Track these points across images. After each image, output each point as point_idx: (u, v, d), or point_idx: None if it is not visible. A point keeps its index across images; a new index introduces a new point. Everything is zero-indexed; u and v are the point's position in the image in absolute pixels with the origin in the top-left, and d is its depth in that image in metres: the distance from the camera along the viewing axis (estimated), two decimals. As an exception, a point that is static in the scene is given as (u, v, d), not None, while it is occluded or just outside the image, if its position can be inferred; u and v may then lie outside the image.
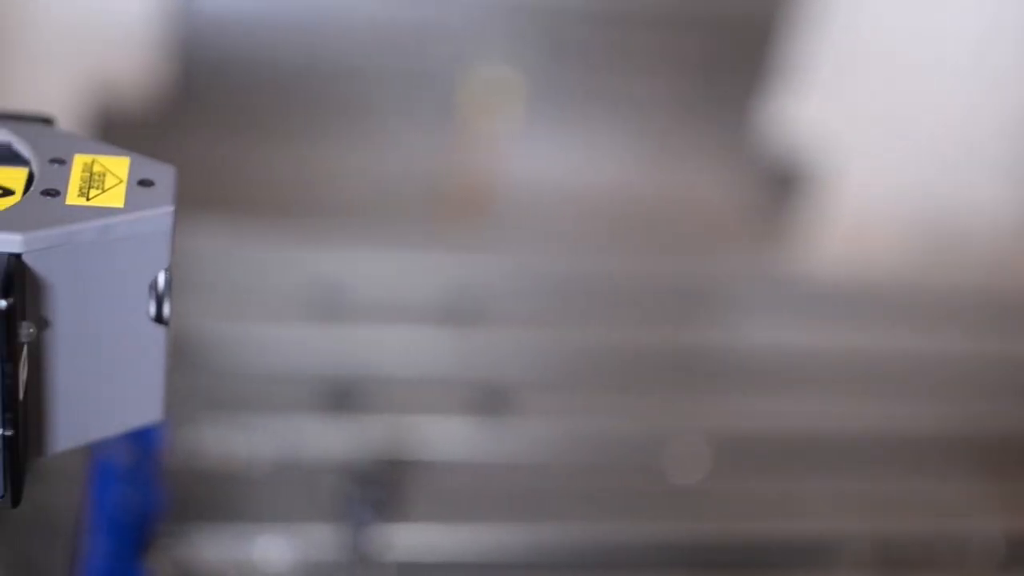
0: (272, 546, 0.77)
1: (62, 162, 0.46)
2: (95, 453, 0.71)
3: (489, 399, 0.93)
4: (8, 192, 0.45)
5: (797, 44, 1.40)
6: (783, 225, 1.33)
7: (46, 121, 0.49)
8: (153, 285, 0.46)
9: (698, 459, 0.92)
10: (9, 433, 0.42)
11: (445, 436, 0.90)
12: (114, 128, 1.21)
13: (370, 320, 0.99)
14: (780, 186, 1.37)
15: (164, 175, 0.46)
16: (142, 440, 0.73)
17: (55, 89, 1.35)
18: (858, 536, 0.87)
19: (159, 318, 0.46)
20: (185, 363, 0.88)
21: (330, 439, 0.86)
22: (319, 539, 0.78)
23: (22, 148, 0.47)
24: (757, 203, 1.35)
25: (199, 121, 1.28)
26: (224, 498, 0.79)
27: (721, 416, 0.98)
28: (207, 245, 0.99)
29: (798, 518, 0.89)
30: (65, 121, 0.51)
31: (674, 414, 0.97)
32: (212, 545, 0.76)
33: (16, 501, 0.44)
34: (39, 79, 1.41)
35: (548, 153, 1.36)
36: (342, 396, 0.90)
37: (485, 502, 0.85)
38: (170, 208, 0.45)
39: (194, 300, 0.94)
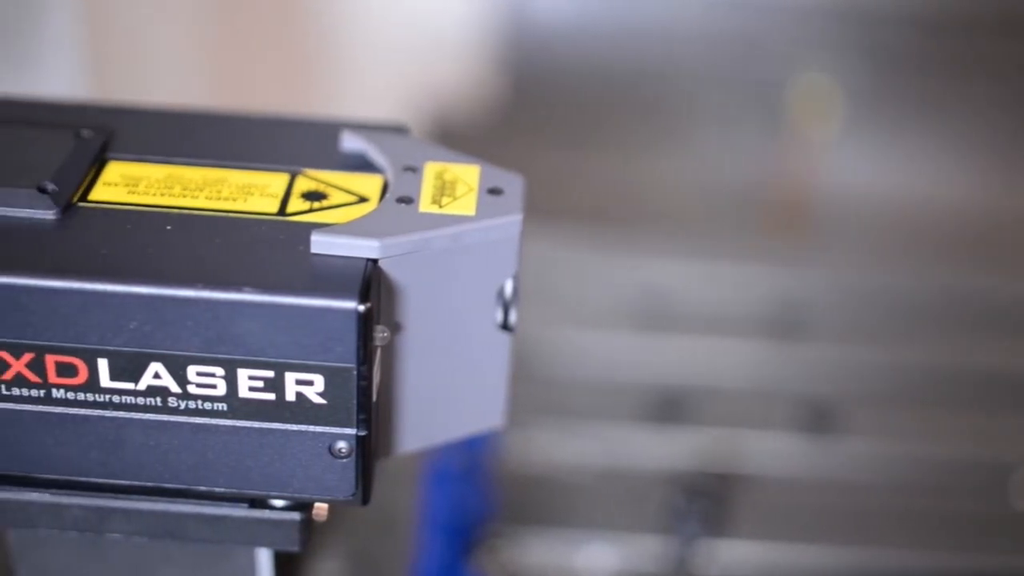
0: (597, 554, 0.77)
1: (415, 170, 0.47)
2: (428, 455, 0.73)
3: (814, 415, 0.91)
4: (363, 199, 0.46)
5: None
6: None
7: (400, 129, 0.51)
8: (500, 292, 0.46)
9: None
10: (363, 433, 0.43)
11: (769, 451, 0.88)
12: (443, 137, 1.24)
13: (694, 331, 0.99)
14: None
15: (513, 184, 0.47)
16: (473, 443, 0.74)
17: (386, 98, 1.40)
18: None
19: (505, 325, 0.47)
20: (515, 369, 0.89)
21: (655, 449, 0.86)
22: (644, 549, 0.78)
23: (376, 156, 0.48)
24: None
25: (526, 128, 1.30)
26: (551, 503, 0.80)
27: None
28: (533, 253, 1.00)
29: None
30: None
31: (1006, 436, 0.93)
32: (538, 549, 0.77)
33: (366, 499, 0.45)
34: (370, 88, 1.46)
35: (871, 163, 1.32)
36: (667, 406, 0.89)
37: (810, 520, 0.83)
38: (519, 216, 0.45)
39: (522, 307, 0.95)
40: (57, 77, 1.25)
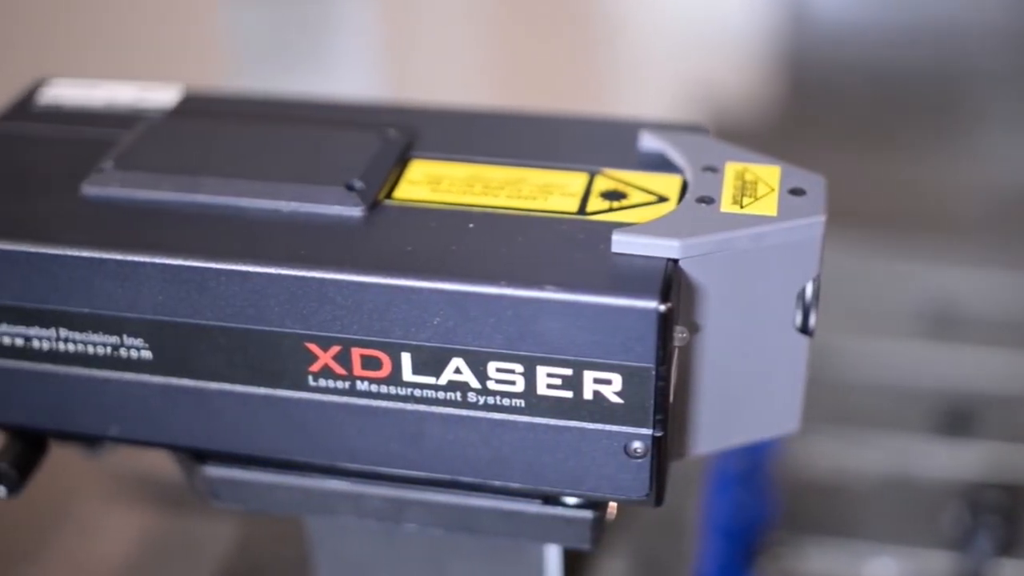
0: (881, 567, 0.75)
1: (714, 170, 0.47)
2: (711, 457, 0.72)
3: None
4: (663, 199, 0.46)
5: None
6: None
7: (698, 130, 0.50)
8: (801, 295, 0.45)
9: None
10: (659, 434, 0.43)
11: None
12: (721, 136, 1.22)
13: (986, 340, 0.95)
14: None
15: (815, 184, 0.46)
16: (755, 447, 0.73)
17: (663, 97, 1.39)
18: None
19: (804, 328, 0.46)
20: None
21: (944, 461, 0.83)
22: (930, 565, 0.75)
23: (675, 156, 0.48)
24: None
25: (805, 129, 1.28)
26: (834, 512, 0.78)
27: None
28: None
29: None
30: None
31: None
32: (821, 558, 0.75)
33: (659, 500, 0.45)
34: (649, 88, 1.46)
35: None
36: (956, 417, 0.86)
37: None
38: (822, 218, 0.44)
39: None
40: (353, 77, 1.29)
